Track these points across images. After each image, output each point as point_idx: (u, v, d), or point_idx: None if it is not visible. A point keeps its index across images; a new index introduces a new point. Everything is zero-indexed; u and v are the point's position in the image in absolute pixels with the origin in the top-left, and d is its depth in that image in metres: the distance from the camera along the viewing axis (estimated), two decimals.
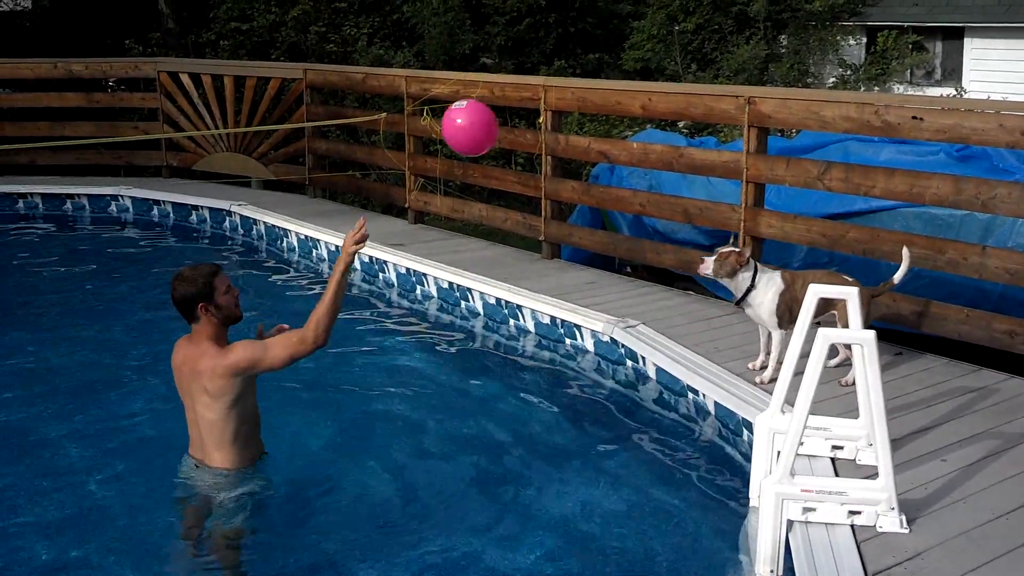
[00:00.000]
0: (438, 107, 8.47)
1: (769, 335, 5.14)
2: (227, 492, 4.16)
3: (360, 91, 11.03)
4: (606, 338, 5.95)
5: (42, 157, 10.64)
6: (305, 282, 8.04)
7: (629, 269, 7.88)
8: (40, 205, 10.12)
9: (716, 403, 4.99)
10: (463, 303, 7.05)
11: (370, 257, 7.82)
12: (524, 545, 4.17)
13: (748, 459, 4.43)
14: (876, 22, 19.13)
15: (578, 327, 6.16)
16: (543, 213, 7.64)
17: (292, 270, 8.41)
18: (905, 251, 5.00)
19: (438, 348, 6.52)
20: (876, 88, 17.34)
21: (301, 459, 4.72)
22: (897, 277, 5.00)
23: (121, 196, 10.04)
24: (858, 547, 3.49)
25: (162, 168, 10.97)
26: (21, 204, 10.12)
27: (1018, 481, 3.98)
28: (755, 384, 5.01)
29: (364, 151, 10.32)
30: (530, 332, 6.53)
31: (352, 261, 4.13)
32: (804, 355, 3.70)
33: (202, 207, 9.67)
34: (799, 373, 3.68)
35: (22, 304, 7.43)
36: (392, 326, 7.01)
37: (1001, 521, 3.67)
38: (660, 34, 17.46)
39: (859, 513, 3.62)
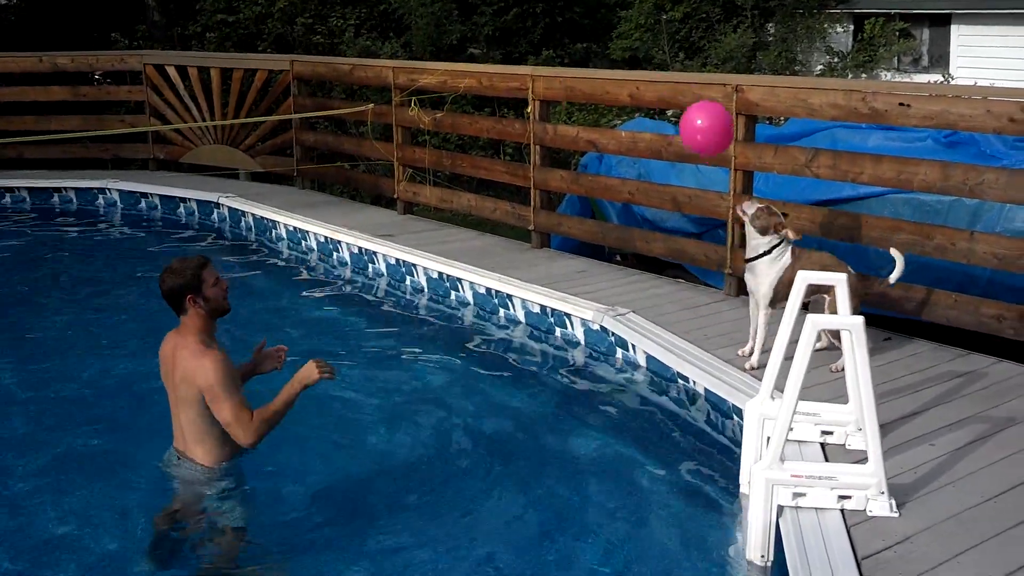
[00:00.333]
0: (425, 97, 8.47)
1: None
2: (207, 487, 4.16)
3: (348, 82, 10.99)
4: (596, 326, 5.96)
5: (29, 151, 10.64)
6: (294, 274, 8.03)
7: (619, 258, 7.88)
8: (27, 199, 10.10)
9: (706, 390, 5.01)
10: (453, 293, 7.05)
11: (359, 248, 7.82)
12: (512, 530, 4.19)
13: (738, 445, 4.45)
14: (863, 9, 19.17)
15: (568, 316, 6.17)
16: (532, 203, 7.64)
17: (281, 261, 8.39)
18: (897, 253, 5.04)
19: (427, 338, 6.52)
20: (864, 75, 17.37)
21: (285, 453, 4.69)
22: (892, 278, 5.07)
23: (108, 189, 10.01)
24: (848, 531, 3.51)
25: (149, 161, 10.94)
26: (8, 198, 10.10)
27: (1006, 464, 4.00)
28: (745, 370, 5.03)
29: (352, 142, 10.28)
30: (520, 321, 6.53)
31: (311, 385, 4.11)
32: (793, 341, 3.71)
33: (190, 199, 9.65)
34: (788, 358, 3.70)
35: (7, 297, 7.39)
36: (380, 317, 7.01)
37: (989, 504, 3.70)
38: (648, 23, 17.46)
39: (849, 498, 3.64)
